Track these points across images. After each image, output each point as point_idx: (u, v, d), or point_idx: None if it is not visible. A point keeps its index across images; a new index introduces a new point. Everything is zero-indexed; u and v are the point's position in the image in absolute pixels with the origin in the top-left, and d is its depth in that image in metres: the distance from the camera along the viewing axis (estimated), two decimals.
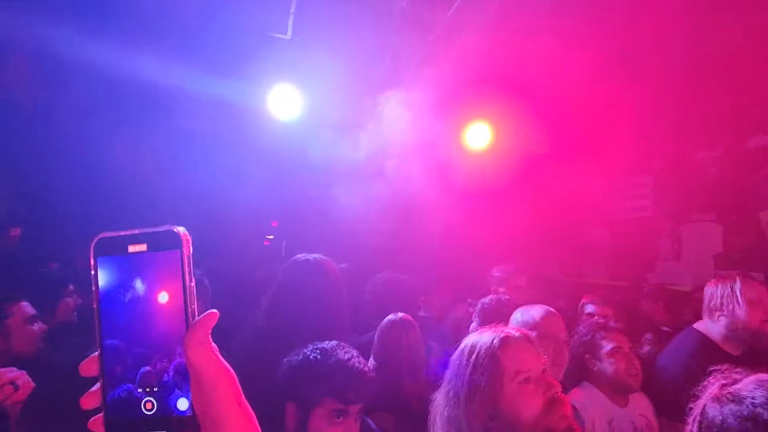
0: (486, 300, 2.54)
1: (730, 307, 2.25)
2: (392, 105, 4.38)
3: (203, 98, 4.27)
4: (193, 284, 0.55)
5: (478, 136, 5.08)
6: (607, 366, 2.07)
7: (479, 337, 1.32)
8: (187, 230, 0.57)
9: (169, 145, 4.59)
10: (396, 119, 4.41)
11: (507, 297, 2.69)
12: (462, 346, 1.35)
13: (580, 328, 2.22)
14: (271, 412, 1.41)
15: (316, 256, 2.09)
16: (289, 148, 4.54)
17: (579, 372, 2.13)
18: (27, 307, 1.80)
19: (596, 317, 2.69)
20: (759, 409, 0.94)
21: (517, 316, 2.02)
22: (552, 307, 2.02)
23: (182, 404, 0.53)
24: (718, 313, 2.28)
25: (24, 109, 3.81)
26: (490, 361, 1.24)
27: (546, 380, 1.23)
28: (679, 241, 5.09)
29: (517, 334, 1.32)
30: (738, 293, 2.24)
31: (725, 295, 2.27)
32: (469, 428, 1.22)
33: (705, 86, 4.16)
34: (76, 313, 2.47)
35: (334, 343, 1.50)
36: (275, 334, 1.83)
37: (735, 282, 2.28)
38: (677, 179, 5.11)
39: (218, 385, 0.51)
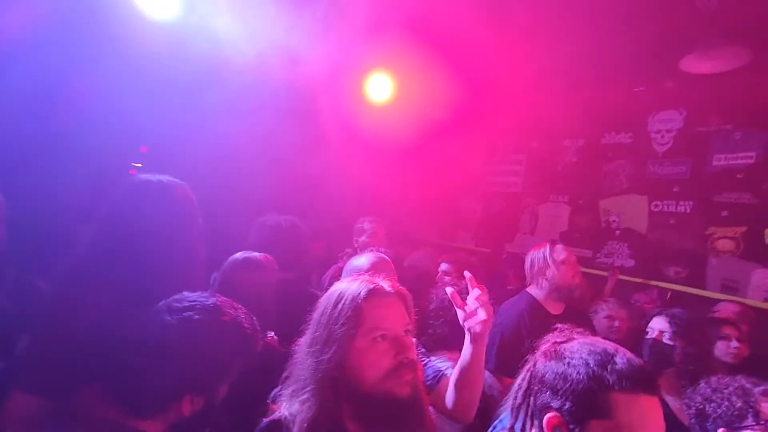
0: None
1: (546, 270, 2.61)
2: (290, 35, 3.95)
3: None
4: None
5: (380, 87, 4.95)
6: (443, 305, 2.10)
7: (349, 285, 1.25)
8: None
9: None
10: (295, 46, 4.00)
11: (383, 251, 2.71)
12: (330, 290, 1.28)
13: (437, 289, 2.26)
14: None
15: (163, 177, 1.67)
16: (167, 57, 3.80)
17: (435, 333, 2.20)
18: None
19: (447, 276, 2.92)
20: (570, 369, 0.98)
21: (352, 263, 2.03)
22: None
23: None
24: (540, 278, 2.64)
25: None
26: (352, 311, 1.18)
27: (401, 343, 1.19)
28: (536, 217, 5.75)
29: (389, 288, 1.25)
30: (549, 257, 2.62)
31: (540, 261, 2.65)
32: (318, 376, 1.16)
33: (580, 83, 4.59)
34: None
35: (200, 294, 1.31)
36: (102, 274, 1.43)
37: (545, 249, 2.66)
38: (545, 162, 5.70)
39: None
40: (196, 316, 1.25)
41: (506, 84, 4.76)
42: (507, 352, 2.40)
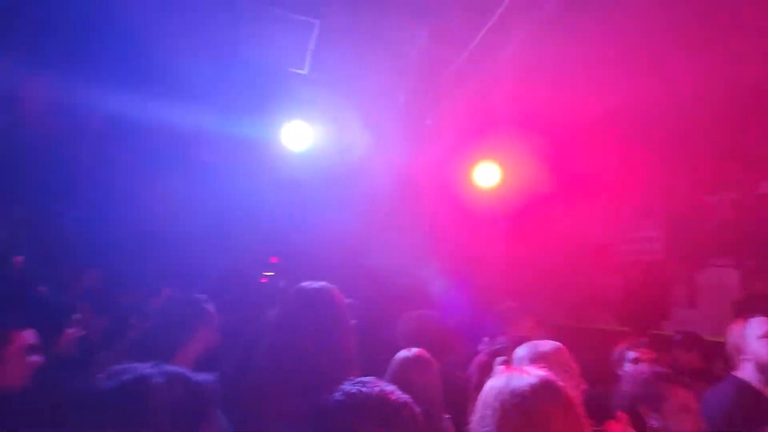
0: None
1: (749, 348, 2.18)
2: (404, 142, 4.39)
3: (221, 135, 4.30)
4: None
5: (488, 174, 5.07)
6: (672, 425, 1.82)
7: (516, 380, 1.20)
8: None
9: (187, 181, 4.56)
10: (407, 156, 4.41)
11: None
12: (493, 385, 1.23)
13: (633, 374, 2.03)
14: None
15: (322, 284, 1.98)
16: (299, 181, 4.51)
17: (637, 428, 1.88)
18: (29, 336, 1.66)
19: (644, 363, 2.55)
20: None
21: (521, 351, 1.88)
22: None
23: None
24: (741, 357, 2.22)
25: (48, 155, 3.83)
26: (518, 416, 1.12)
27: None
28: (695, 287, 4.96)
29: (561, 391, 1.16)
30: (750, 333, 2.21)
31: (741, 339, 2.23)
32: None
33: (715, 129, 4.19)
34: (79, 345, 2.31)
35: (371, 378, 1.40)
36: (279, 367, 1.71)
37: (746, 324, 2.25)
38: (690, 222, 5.05)
39: None
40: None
41: (624, 149, 4.56)
42: None
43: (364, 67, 3.71)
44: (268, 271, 7.02)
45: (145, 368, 1.04)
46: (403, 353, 2.12)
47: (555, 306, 6.11)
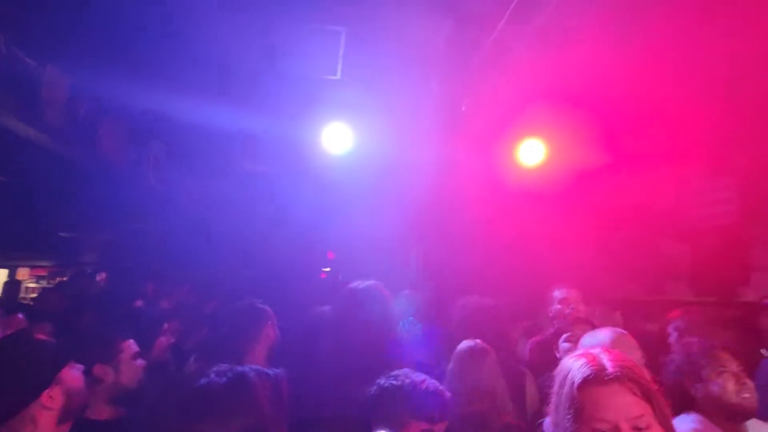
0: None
1: None
2: (442, 132, 4.42)
3: (265, 140, 4.59)
4: None
5: (532, 152, 4.95)
6: (713, 389, 1.80)
7: (571, 366, 1.17)
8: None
9: (235, 187, 4.94)
10: (446, 145, 4.44)
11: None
12: (559, 368, 1.22)
13: (674, 353, 2.01)
14: None
15: (370, 282, 2.17)
16: (343, 181, 4.72)
17: (681, 402, 1.85)
18: (133, 345, 2.02)
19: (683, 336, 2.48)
20: None
21: (585, 341, 1.90)
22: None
23: None
24: None
25: (112, 164, 4.32)
26: (570, 400, 1.11)
27: None
28: None
29: (611, 372, 1.09)
30: None
31: None
32: None
33: None
34: (169, 351, 2.69)
35: (404, 370, 1.55)
36: (343, 363, 1.91)
37: None
38: (764, 180, 4.61)
39: None
40: None
41: (685, 109, 4.24)
42: None
43: (394, 64, 3.79)
44: (326, 267, 7.40)
45: (241, 367, 1.25)
46: (464, 344, 2.22)
47: (626, 281, 5.85)
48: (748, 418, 1.79)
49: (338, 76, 3.99)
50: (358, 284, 2.25)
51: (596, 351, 1.19)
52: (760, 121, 4.24)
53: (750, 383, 1.82)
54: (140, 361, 2.03)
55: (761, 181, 4.66)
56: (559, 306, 3.08)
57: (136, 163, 4.54)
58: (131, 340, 2.03)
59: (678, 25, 3.71)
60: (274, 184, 5.06)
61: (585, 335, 1.96)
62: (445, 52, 3.88)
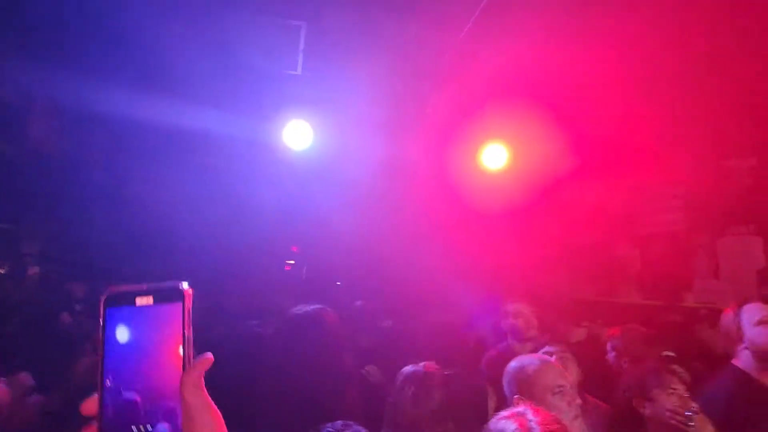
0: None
1: (745, 335, 2.10)
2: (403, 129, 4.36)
3: (221, 137, 4.39)
4: (190, 334, 0.59)
5: (495, 156, 4.98)
6: (661, 409, 1.82)
7: (503, 427, 1.20)
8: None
9: (189, 184, 4.71)
10: (408, 144, 4.39)
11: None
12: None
13: (624, 373, 2.03)
14: None
15: (311, 308, 2.07)
16: (304, 178, 4.60)
17: (631, 422, 1.90)
18: (25, 379, 1.79)
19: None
20: None
21: (511, 366, 1.90)
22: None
23: None
24: (740, 345, 2.13)
25: (50, 160, 4.01)
26: None
27: None
28: (716, 256, 4.79)
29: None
30: (744, 319, 2.11)
31: (736, 326, 2.14)
32: None
33: (730, 94, 3.96)
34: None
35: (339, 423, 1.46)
36: (274, 385, 1.83)
37: (740, 310, 2.15)
38: (710, 190, 4.84)
39: (207, 425, 0.56)
40: None
41: (637, 118, 4.38)
42: None
43: (356, 63, 3.68)
44: (289, 260, 7.25)
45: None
46: (408, 369, 2.10)
47: (580, 282, 6.03)
48: None
49: (299, 71, 3.85)
50: (298, 309, 2.13)
51: (527, 413, 1.21)
52: (706, 133, 4.44)
53: (695, 405, 1.86)
54: (35, 398, 1.80)
55: (703, 191, 4.90)
56: (512, 320, 3.08)
57: (76, 156, 4.23)
58: (22, 374, 1.79)
59: (634, 30, 3.81)
60: (232, 180, 4.86)
61: (511, 362, 1.94)
62: (411, 54, 3.82)
